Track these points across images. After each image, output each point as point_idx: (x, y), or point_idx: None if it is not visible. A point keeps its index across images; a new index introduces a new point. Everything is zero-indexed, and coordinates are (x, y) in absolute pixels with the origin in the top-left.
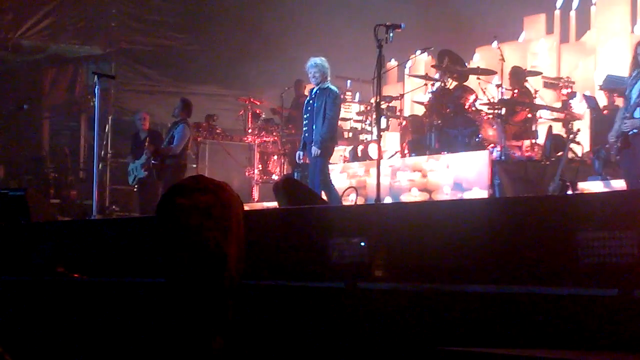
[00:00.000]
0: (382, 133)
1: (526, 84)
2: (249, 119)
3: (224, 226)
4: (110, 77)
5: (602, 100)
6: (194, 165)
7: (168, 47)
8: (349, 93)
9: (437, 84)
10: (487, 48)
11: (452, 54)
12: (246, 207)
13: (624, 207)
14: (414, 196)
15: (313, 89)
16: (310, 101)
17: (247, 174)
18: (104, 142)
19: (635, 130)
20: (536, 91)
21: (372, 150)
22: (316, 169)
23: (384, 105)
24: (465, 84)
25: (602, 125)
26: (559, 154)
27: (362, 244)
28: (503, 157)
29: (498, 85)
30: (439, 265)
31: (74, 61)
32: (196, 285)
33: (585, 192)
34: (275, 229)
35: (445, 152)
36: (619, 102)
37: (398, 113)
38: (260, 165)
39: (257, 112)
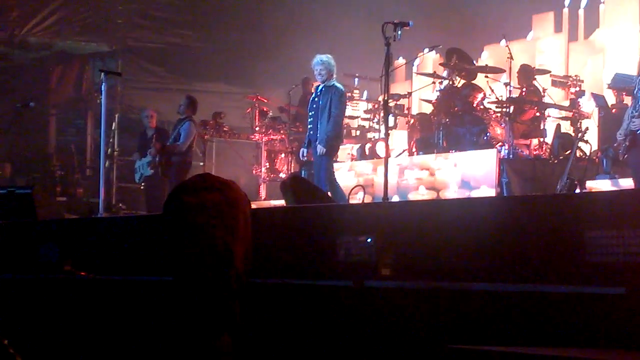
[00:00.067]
0: (389, 131)
1: (534, 83)
2: (256, 117)
3: (231, 224)
4: (117, 74)
5: (610, 98)
6: (201, 163)
7: (175, 44)
8: (356, 91)
9: (445, 82)
10: (495, 46)
11: (461, 52)
12: (253, 206)
13: (632, 206)
14: (422, 195)
15: (318, 86)
16: (316, 98)
17: (254, 172)
18: (111, 140)
19: None
20: (544, 89)
21: (380, 149)
22: (321, 168)
23: (391, 104)
24: (473, 82)
25: (611, 123)
26: (567, 152)
27: (370, 242)
28: (511, 156)
29: (506, 84)
30: (446, 264)
31: (81, 58)
32: (203, 283)
33: (593, 190)
34: (283, 227)
35: (453, 151)
36: (628, 100)
37: (406, 111)
38: (267, 164)
39: (265, 110)
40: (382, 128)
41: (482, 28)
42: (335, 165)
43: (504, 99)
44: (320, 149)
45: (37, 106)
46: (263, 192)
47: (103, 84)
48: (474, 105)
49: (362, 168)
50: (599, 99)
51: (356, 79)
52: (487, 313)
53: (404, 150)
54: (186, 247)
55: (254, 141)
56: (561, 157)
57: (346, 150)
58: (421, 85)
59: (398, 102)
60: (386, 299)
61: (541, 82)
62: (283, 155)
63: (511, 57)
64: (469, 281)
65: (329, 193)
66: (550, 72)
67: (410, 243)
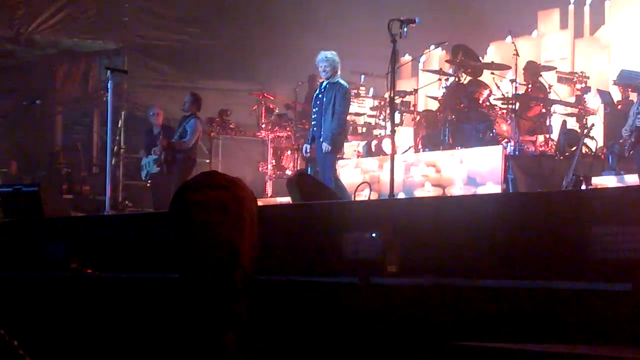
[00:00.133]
0: (395, 128)
1: (540, 79)
2: (263, 114)
3: (237, 222)
4: (123, 72)
5: (616, 95)
6: (207, 161)
7: (181, 41)
8: (362, 88)
9: (451, 79)
10: (501, 43)
11: (466, 48)
12: (259, 203)
13: (637, 202)
14: (428, 191)
15: (322, 82)
16: (320, 95)
17: (260, 169)
18: (117, 138)
19: None
20: (550, 86)
21: (386, 146)
22: (326, 165)
23: (397, 100)
24: (479, 78)
25: (616, 120)
26: (573, 149)
27: (376, 239)
28: (517, 152)
29: (512, 80)
30: (452, 261)
31: (87, 56)
32: (209, 282)
33: (599, 187)
34: (289, 224)
35: (459, 147)
36: (633, 97)
37: (412, 108)
38: (273, 161)
39: (271, 107)
40: (388, 125)
41: (488, 24)
42: (341, 162)
43: (510, 95)
44: (325, 146)
45: (43, 104)
46: (269, 189)
47: (109, 81)
48: (480, 101)
49: (368, 165)
50: (604, 96)
51: (362, 76)
52: (492, 310)
53: (410, 147)
54: (192, 245)
55: (260, 138)
56: (567, 154)
57: (352, 147)
58: (427, 82)
59: (404, 99)
60: (392, 296)
61: (547, 78)
62: (289, 152)
63: (517, 54)
64: (475, 278)
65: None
66: (556, 68)
67: (416, 240)
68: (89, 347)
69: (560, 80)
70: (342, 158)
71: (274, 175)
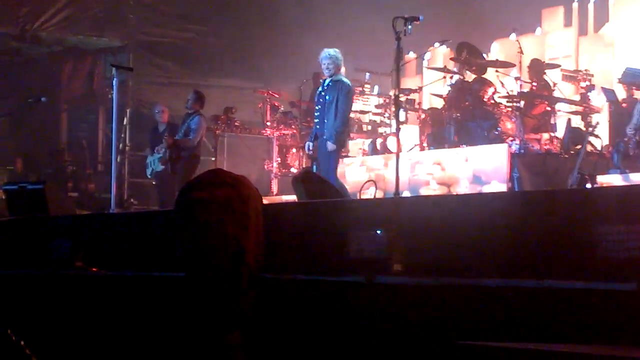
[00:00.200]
0: (401, 126)
1: (545, 77)
2: (268, 112)
3: (243, 220)
4: (128, 69)
5: (620, 93)
6: (212, 159)
7: (186, 39)
8: (367, 86)
9: (456, 77)
10: (505, 40)
11: (471, 46)
12: (265, 201)
13: None
14: (433, 190)
15: (325, 80)
16: (322, 92)
17: (265, 167)
18: (122, 135)
19: None
20: (555, 84)
21: (391, 144)
22: (331, 163)
23: (402, 98)
24: (484, 76)
25: (621, 118)
26: (578, 147)
27: (381, 238)
28: (522, 150)
29: (517, 78)
30: (457, 259)
31: (92, 53)
32: (215, 280)
33: (604, 185)
34: (294, 222)
35: (464, 145)
36: (638, 95)
37: (417, 106)
38: (278, 159)
39: (276, 104)
40: (393, 123)
41: (492, 22)
42: (346, 160)
43: (515, 93)
44: (330, 145)
45: (48, 101)
46: (274, 187)
47: (114, 79)
48: (485, 99)
49: (374, 163)
50: (609, 94)
51: (367, 74)
52: (497, 309)
53: (415, 145)
54: (197, 243)
55: (265, 136)
56: (572, 152)
57: (357, 145)
58: (432, 79)
59: (409, 97)
60: (397, 295)
61: (551, 76)
62: (294, 150)
63: (521, 52)
64: (480, 277)
65: None
66: (560, 66)
67: (421, 238)
68: (94, 345)
69: (564, 78)
70: (347, 156)
71: (279, 173)
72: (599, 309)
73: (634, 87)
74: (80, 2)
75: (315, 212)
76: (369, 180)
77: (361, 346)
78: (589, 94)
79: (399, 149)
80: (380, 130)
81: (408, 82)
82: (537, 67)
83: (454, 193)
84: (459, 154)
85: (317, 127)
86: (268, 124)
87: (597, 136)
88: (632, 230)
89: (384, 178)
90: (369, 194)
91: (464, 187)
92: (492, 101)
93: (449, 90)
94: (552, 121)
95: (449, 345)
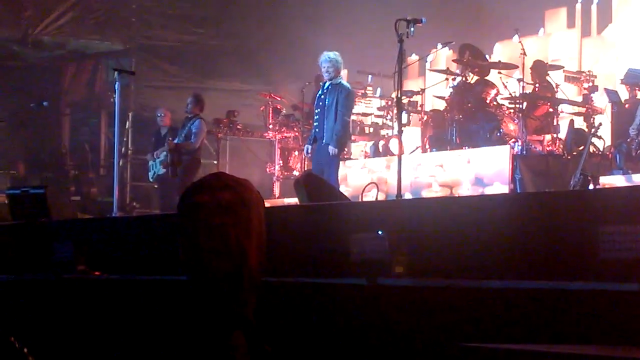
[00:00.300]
0: (403, 128)
1: (547, 78)
2: (270, 115)
3: (245, 223)
4: (131, 73)
5: (623, 94)
6: (215, 162)
7: (188, 42)
8: (370, 88)
9: (458, 79)
10: (507, 42)
11: (473, 48)
12: (267, 204)
13: None
14: (435, 192)
15: (325, 83)
16: (322, 95)
17: (267, 170)
18: (125, 139)
19: None
20: (557, 85)
21: (393, 146)
22: (332, 167)
23: (405, 100)
24: (486, 78)
25: (624, 119)
26: (581, 148)
27: (383, 240)
28: (524, 152)
29: (519, 80)
30: (459, 261)
31: (94, 57)
32: (217, 283)
33: (607, 186)
34: (296, 225)
35: (467, 147)
36: None
37: (419, 108)
38: (281, 161)
39: (278, 107)
40: (396, 125)
41: (495, 23)
42: (348, 162)
43: (517, 95)
44: (332, 149)
45: (50, 105)
46: (277, 190)
47: (117, 82)
48: (487, 101)
49: (376, 165)
50: (612, 95)
51: (369, 76)
52: (500, 310)
53: (417, 147)
54: (199, 247)
55: (267, 139)
56: (574, 153)
57: (359, 147)
58: (434, 81)
59: (411, 99)
60: (399, 297)
61: (554, 77)
62: (296, 152)
63: (524, 53)
64: (482, 279)
65: None
66: (563, 67)
67: (423, 241)
68: (96, 349)
69: (567, 79)
70: (349, 158)
71: (281, 176)
72: (602, 309)
73: (636, 88)
74: (82, 6)
75: (317, 214)
76: (370, 183)
77: (363, 348)
78: (591, 95)
79: (401, 151)
80: (383, 132)
81: (410, 84)
82: (540, 69)
83: (456, 195)
84: (461, 155)
85: (317, 130)
86: (270, 126)
87: (599, 137)
88: (635, 231)
89: (386, 180)
90: (371, 196)
91: (466, 189)
92: (495, 103)
93: (451, 92)
94: (554, 122)
95: (452, 347)
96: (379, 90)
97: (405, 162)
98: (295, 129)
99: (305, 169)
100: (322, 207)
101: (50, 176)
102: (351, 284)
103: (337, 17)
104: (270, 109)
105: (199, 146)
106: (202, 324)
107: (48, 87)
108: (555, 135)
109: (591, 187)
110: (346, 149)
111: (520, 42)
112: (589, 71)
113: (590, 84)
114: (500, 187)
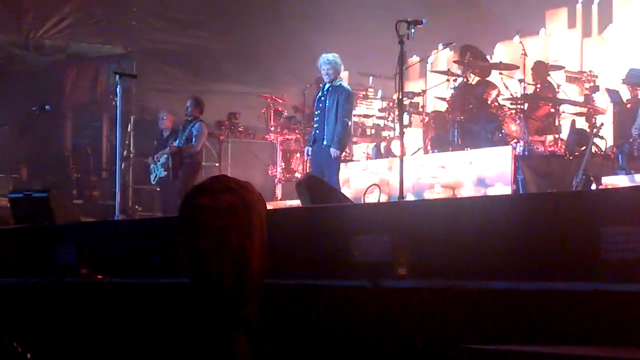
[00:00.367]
0: (404, 129)
1: (549, 79)
2: (271, 117)
3: (247, 226)
4: (132, 76)
5: (625, 94)
6: (216, 164)
7: (190, 45)
8: (371, 90)
9: (460, 80)
10: (508, 42)
11: (474, 49)
12: (269, 206)
13: None
14: (437, 193)
15: (325, 84)
16: (322, 97)
17: (269, 172)
18: (127, 142)
19: None
20: (559, 86)
21: (395, 147)
22: (333, 168)
23: (406, 102)
24: (487, 79)
25: (626, 119)
26: (583, 148)
27: (385, 242)
28: (526, 153)
29: (520, 80)
30: (462, 263)
31: (96, 60)
32: (219, 286)
33: (609, 186)
34: (299, 227)
35: (468, 148)
36: None
37: (420, 109)
38: (282, 164)
39: (279, 109)
40: (397, 126)
41: (495, 24)
42: (350, 164)
43: (519, 95)
44: (333, 151)
45: (52, 109)
46: (279, 192)
47: (118, 86)
48: (489, 102)
49: (377, 167)
50: (613, 95)
51: (371, 78)
52: (503, 312)
53: (419, 149)
54: (201, 249)
55: (269, 141)
56: (576, 153)
57: (361, 149)
58: (435, 82)
59: (412, 100)
60: (402, 299)
61: (555, 78)
62: (298, 155)
63: (525, 54)
64: (485, 280)
65: None
66: (564, 68)
67: (426, 242)
68: (99, 353)
69: (568, 79)
70: (351, 160)
71: (283, 178)
72: (605, 310)
73: (638, 88)
74: (83, 9)
75: (320, 216)
76: (372, 184)
77: (366, 350)
78: (593, 95)
79: (403, 153)
80: (384, 134)
81: (412, 86)
82: (541, 69)
83: (458, 196)
84: (463, 156)
85: (317, 131)
86: (272, 129)
87: (601, 137)
88: (638, 232)
89: (388, 182)
90: (373, 198)
91: (468, 190)
92: (496, 103)
93: (453, 93)
94: (556, 123)
95: (454, 348)
96: (380, 91)
97: (407, 163)
98: (296, 131)
99: (307, 171)
100: (324, 209)
101: (53, 180)
102: (354, 286)
103: (338, 19)
104: (272, 111)
105: (200, 149)
106: (204, 326)
107: (50, 91)
108: (557, 136)
109: (593, 187)
110: (348, 151)
111: (521, 42)
112: (590, 71)
113: (592, 84)
114: (503, 188)
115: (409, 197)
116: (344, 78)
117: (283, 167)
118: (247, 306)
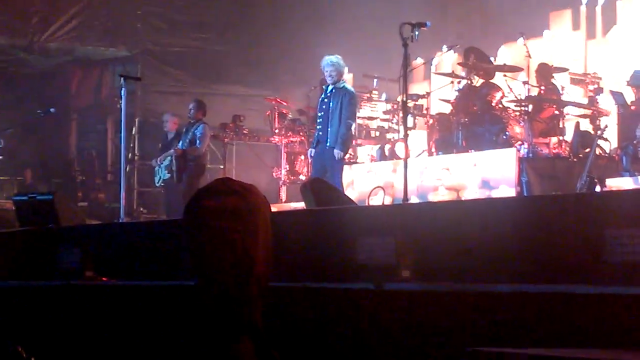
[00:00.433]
0: (409, 132)
1: (553, 81)
2: (276, 119)
3: (251, 229)
4: (137, 79)
5: (629, 96)
6: (221, 167)
7: (194, 47)
8: (375, 92)
9: (464, 82)
10: (512, 44)
11: (478, 51)
12: (274, 208)
13: None
14: (442, 195)
15: (328, 86)
16: (325, 99)
17: (274, 174)
18: (131, 144)
19: None
20: (563, 88)
21: (399, 149)
22: (336, 170)
23: (410, 104)
24: (491, 81)
25: (630, 121)
26: (587, 150)
27: (390, 244)
28: (530, 155)
29: (525, 82)
30: (466, 265)
31: (101, 63)
32: (223, 288)
33: (613, 189)
34: (303, 230)
35: (473, 150)
36: None
37: (425, 111)
38: (287, 166)
39: (284, 112)
40: (401, 129)
41: (499, 26)
42: (354, 166)
43: (523, 97)
44: (337, 153)
45: (57, 112)
46: (283, 195)
47: (123, 88)
48: (493, 104)
49: (382, 169)
50: (617, 96)
51: (375, 80)
52: (508, 314)
53: (423, 151)
54: (206, 252)
55: (273, 144)
56: (581, 155)
57: (366, 151)
58: (439, 85)
59: (417, 103)
60: (407, 301)
61: (559, 80)
62: (303, 157)
63: (529, 56)
64: (489, 282)
65: None
66: (568, 70)
67: (430, 244)
68: (104, 355)
69: (572, 81)
70: (355, 162)
71: (288, 181)
72: (610, 313)
73: None
74: (88, 12)
75: (324, 219)
76: (377, 187)
77: (371, 353)
78: (597, 97)
79: (407, 155)
80: (389, 136)
81: (416, 88)
82: (545, 71)
83: (463, 198)
84: (467, 159)
85: (320, 133)
86: (276, 131)
87: (606, 139)
88: None
89: (392, 184)
90: (378, 200)
91: (472, 192)
92: (500, 105)
93: (457, 95)
94: (560, 125)
95: (459, 351)
96: (384, 94)
97: (412, 165)
98: (301, 134)
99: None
100: (329, 212)
101: (58, 182)
102: (358, 289)
103: (342, 22)
104: (276, 113)
105: (204, 151)
106: (209, 328)
107: (55, 93)
108: (561, 138)
109: (598, 189)
110: (352, 153)
111: (525, 44)
112: (594, 73)
113: (596, 86)
114: (507, 190)
115: (413, 199)
116: (349, 80)
117: (288, 169)
118: (251, 308)
